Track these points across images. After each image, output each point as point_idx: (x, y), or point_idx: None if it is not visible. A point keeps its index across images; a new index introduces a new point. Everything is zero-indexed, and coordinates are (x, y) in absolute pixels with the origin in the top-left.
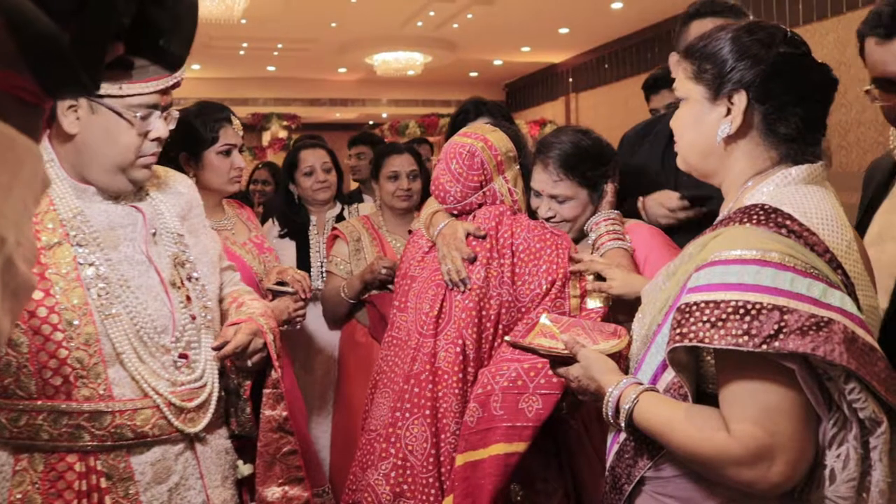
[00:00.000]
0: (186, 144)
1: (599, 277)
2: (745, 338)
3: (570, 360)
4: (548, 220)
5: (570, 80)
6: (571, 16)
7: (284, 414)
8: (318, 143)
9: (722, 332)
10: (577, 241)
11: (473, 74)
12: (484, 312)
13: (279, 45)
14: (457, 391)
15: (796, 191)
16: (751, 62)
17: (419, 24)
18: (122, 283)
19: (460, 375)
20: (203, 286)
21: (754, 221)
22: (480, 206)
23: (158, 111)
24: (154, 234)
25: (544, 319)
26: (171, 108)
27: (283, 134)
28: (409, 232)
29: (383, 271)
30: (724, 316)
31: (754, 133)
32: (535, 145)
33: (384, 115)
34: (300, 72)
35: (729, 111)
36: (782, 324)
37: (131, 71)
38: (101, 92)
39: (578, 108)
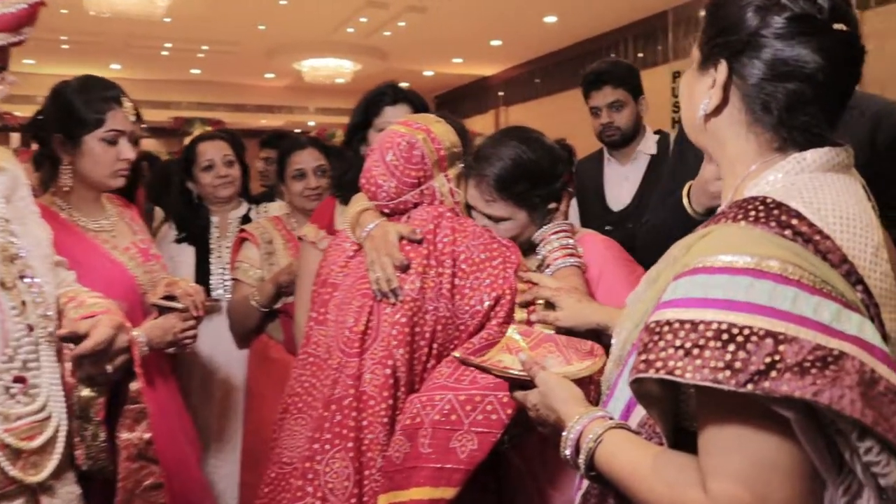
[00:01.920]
0: (63, 125)
1: (549, 303)
2: (727, 372)
3: (529, 383)
4: None
5: (501, 93)
6: (504, 28)
7: (147, 436)
8: (217, 135)
9: (698, 362)
10: (522, 255)
11: (404, 85)
12: (417, 329)
13: (204, 47)
14: (385, 420)
15: (810, 181)
16: (740, 25)
17: (350, 29)
18: None
19: (389, 402)
20: (42, 289)
21: (751, 219)
22: (416, 205)
23: None
24: None
25: (512, 332)
26: (5, 71)
27: None
28: (299, 238)
29: None
30: (701, 341)
31: (737, 113)
32: (472, 153)
33: (311, 124)
34: (226, 76)
35: (714, 83)
36: (776, 357)
37: None
38: None
39: (508, 122)
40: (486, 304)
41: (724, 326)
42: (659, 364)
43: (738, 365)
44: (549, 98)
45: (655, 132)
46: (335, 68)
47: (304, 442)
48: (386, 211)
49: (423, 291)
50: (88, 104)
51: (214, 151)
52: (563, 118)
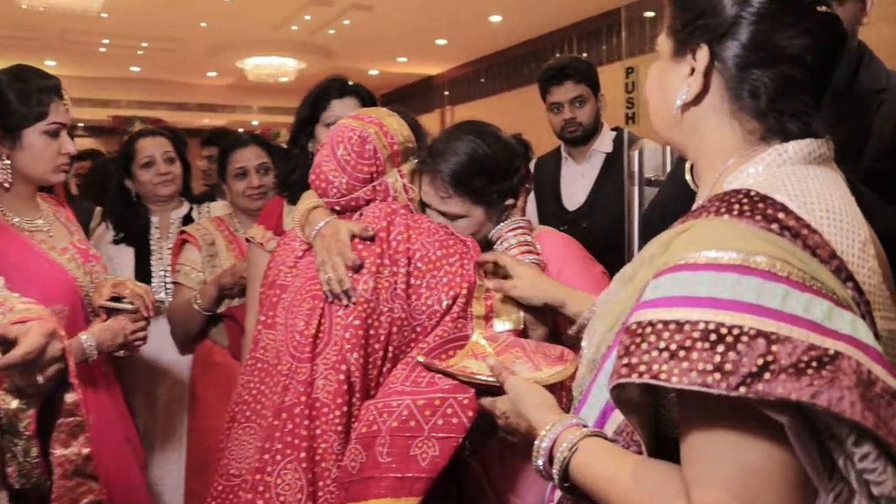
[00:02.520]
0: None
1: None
2: (717, 375)
3: (497, 389)
4: None
5: (447, 92)
6: (450, 27)
7: (85, 452)
8: (158, 131)
9: (684, 365)
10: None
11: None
12: (372, 331)
13: (144, 44)
14: (339, 428)
15: (793, 173)
16: (719, 9)
17: (294, 27)
18: None
19: (344, 409)
20: None
21: (735, 213)
22: (369, 202)
23: None
24: None
25: (477, 337)
26: None
27: None
28: (247, 241)
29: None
30: (687, 343)
31: (719, 101)
32: (425, 149)
33: (255, 123)
34: (167, 73)
35: (692, 71)
36: (769, 358)
37: None
38: None
39: (454, 121)
40: (444, 303)
41: (711, 326)
42: (642, 368)
43: (728, 367)
44: (494, 97)
45: (613, 129)
46: (279, 67)
47: (253, 452)
48: (337, 208)
49: (377, 292)
50: (27, 96)
51: (154, 148)
52: (509, 117)
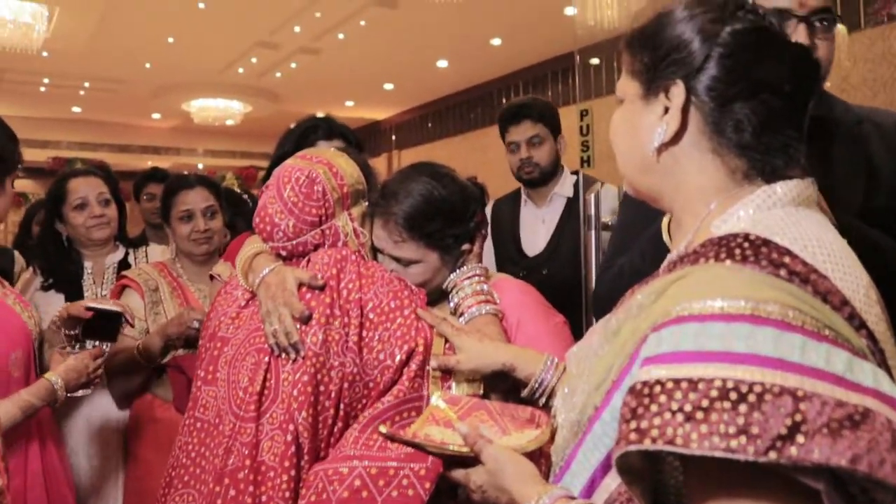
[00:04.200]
0: None
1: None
2: (742, 439)
3: (470, 459)
4: None
5: (394, 137)
6: (397, 72)
7: None
8: (91, 171)
9: (703, 428)
10: (434, 302)
11: None
12: (322, 387)
13: (86, 84)
14: (287, 495)
15: (786, 216)
16: (691, 44)
17: (240, 70)
18: None
19: (291, 473)
20: None
21: (737, 258)
22: (317, 247)
23: None
24: None
25: (436, 400)
26: None
27: None
28: (211, 278)
29: (195, 324)
30: (704, 403)
31: (699, 138)
32: (378, 191)
33: (200, 166)
34: (109, 115)
35: (666, 110)
36: (798, 417)
37: None
38: None
39: (401, 166)
40: (398, 357)
41: (729, 384)
42: (654, 433)
43: (754, 429)
44: (441, 141)
45: (573, 172)
46: (224, 109)
47: None
48: (283, 253)
49: (326, 345)
50: (11, 144)
51: (88, 189)
52: (456, 162)
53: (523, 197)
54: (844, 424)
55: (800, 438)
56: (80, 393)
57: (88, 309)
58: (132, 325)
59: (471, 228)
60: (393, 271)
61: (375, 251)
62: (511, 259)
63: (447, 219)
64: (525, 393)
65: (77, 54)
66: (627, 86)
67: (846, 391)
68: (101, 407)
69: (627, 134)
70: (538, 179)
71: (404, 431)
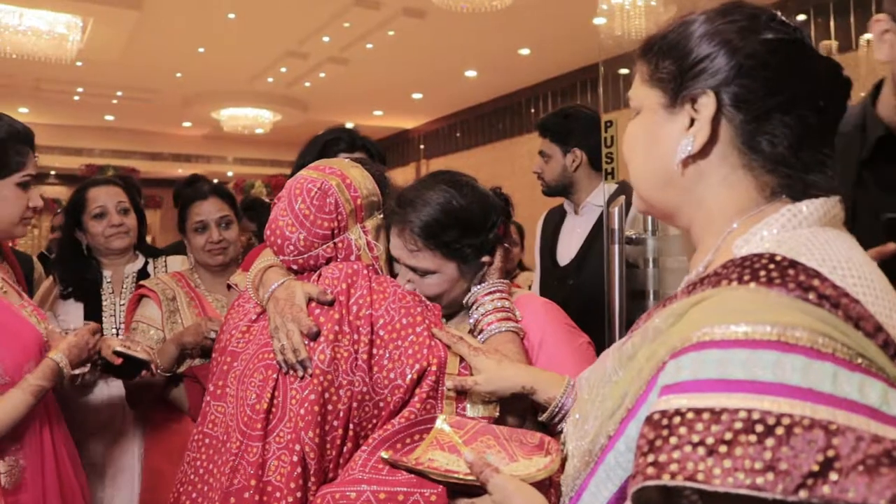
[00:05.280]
0: None
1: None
2: (770, 476)
3: (476, 488)
4: None
5: (422, 146)
6: (425, 81)
7: None
8: (111, 180)
9: (727, 463)
10: (450, 316)
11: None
12: (330, 406)
13: (119, 93)
14: None
15: (812, 236)
16: (722, 53)
17: (270, 79)
18: None
19: (297, 495)
20: None
21: (763, 280)
22: (329, 261)
23: None
24: None
25: (441, 424)
26: None
27: None
28: (229, 287)
29: (212, 335)
30: (727, 436)
31: (729, 152)
32: (395, 199)
33: (230, 174)
34: (141, 123)
35: (693, 122)
36: (830, 453)
37: None
38: None
39: None
40: (409, 377)
41: (755, 416)
42: (674, 467)
43: (783, 465)
44: (469, 151)
45: (617, 183)
46: (254, 118)
47: None
48: (294, 267)
49: (335, 363)
50: (4, 146)
51: (107, 198)
52: (485, 171)
53: (566, 206)
54: (882, 462)
55: (833, 476)
56: (77, 371)
57: (117, 353)
58: (153, 375)
59: (490, 239)
60: (409, 281)
61: (392, 260)
62: (546, 269)
63: (465, 229)
64: (544, 417)
65: (110, 64)
66: (646, 95)
67: (883, 425)
68: (118, 418)
69: (647, 145)
70: (546, 192)
71: (407, 458)
